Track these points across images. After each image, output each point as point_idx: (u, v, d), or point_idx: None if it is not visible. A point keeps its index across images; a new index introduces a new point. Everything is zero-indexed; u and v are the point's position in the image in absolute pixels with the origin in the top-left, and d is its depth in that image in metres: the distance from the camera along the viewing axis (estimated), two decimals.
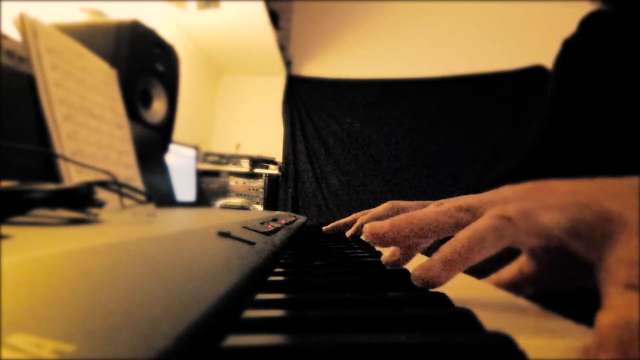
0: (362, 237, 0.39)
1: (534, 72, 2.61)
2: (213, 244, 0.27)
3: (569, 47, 0.60)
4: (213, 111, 3.18)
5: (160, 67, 1.03)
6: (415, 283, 0.24)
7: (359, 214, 0.62)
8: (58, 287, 0.12)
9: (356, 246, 0.58)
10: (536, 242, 0.23)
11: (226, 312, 0.17)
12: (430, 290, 0.25)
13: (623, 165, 0.45)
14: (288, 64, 3.06)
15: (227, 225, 0.36)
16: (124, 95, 0.76)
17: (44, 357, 0.08)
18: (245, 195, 2.56)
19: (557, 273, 0.27)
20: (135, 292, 0.14)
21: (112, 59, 0.82)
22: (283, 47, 2.95)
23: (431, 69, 2.86)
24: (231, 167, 2.63)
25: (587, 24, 0.59)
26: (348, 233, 0.59)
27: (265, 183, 2.60)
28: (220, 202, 0.96)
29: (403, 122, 2.84)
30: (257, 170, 2.63)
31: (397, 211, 0.46)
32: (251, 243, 0.31)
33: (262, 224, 0.48)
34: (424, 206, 0.34)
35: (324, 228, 0.68)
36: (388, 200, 0.51)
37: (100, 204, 0.37)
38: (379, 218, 0.45)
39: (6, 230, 0.20)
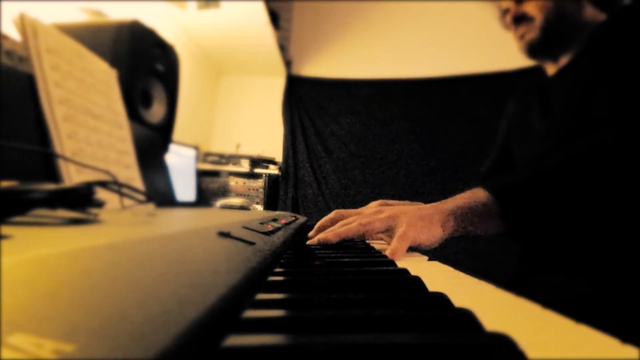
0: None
1: (534, 72, 2.61)
2: (213, 244, 0.27)
3: None
4: (213, 111, 3.18)
5: (160, 67, 1.03)
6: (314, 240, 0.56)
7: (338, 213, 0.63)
8: (58, 287, 0.12)
9: (360, 246, 0.58)
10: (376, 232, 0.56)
11: (226, 312, 0.16)
12: (431, 291, 0.25)
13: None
14: (288, 64, 3.06)
15: (227, 225, 0.36)
16: (124, 95, 0.76)
17: (44, 357, 0.08)
18: (245, 195, 2.56)
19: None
20: (135, 292, 0.14)
21: (112, 59, 0.82)
22: (283, 47, 2.95)
23: (431, 69, 2.86)
24: (231, 167, 2.63)
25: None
26: (316, 239, 0.55)
27: (265, 183, 2.60)
28: (220, 202, 0.96)
29: (403, 122, 2.84)
30: (257, 170, 2.63)
31: (341, 216, 0.62)
32: (251, 243, 0.31)
33: (262, 224, 0.48)
34: (360, 212, 0.61)
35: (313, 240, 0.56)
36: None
37: (100, 204, 0.37)
38: (325, 225, 0.61)
39: (6, 230, 0.20)
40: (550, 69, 0.81)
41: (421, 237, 0.53)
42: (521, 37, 0.79)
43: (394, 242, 0.51)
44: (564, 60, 0.77)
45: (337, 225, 0.57)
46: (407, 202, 0.64)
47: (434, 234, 0.54)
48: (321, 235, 0.54)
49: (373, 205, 0.63)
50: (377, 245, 0.63)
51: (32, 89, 0.53)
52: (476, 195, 0.58)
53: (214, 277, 0.19)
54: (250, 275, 0.22)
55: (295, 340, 0.16)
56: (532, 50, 0.78)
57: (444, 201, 0.58)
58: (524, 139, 0.82)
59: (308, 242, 0.55)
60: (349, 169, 2.84)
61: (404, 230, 0.52)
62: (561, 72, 0.77)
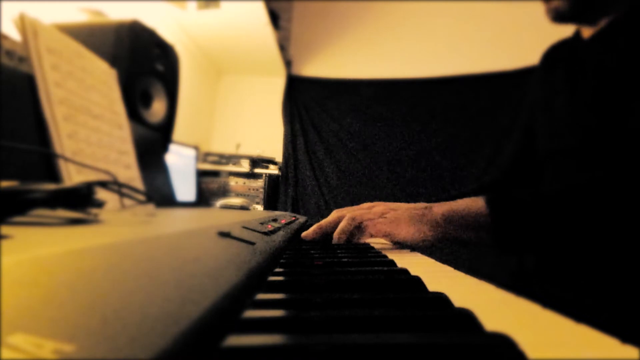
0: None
1: (534, 72, 2.60)
2: (213, 244, 0.27)
3: None
4: (213, 111, 3.18)
5: (160, 67, 1.03)
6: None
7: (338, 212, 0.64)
8: (58, 287, 0.12)
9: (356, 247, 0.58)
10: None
11: (226, 312, 0.16)
12: (431, 291, 0.25)
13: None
14: (288, 64, 3.06)
15: (227, 225, 0.36)
16: (124, 95, 0.76)
17: (44, 357, 0.08)
18: (245, 195, 2.56)
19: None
20: (135, 292, 0.14)
21: (112, 59, 0.82)
22: (283, 47, 2.95)
23: (431, 69, 2.86)
24: (231, 167, 2.63)
25: None
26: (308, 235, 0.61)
27: (265, 183, 2.60)
28: (220, 202, 0.96)
29: (403, 122, 2.84)
30: (257, 170, 2.63)
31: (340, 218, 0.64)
32: (251, 243, 0.31)
33: (262, 224, 0.48)
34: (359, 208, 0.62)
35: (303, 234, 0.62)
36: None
37: (100, 204, 0.37)
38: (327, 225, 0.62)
39: (6, 230, 0.20)
40: (586, 32, 0.72)
41: (401, 233, 0.56)
42: (546, 1, 0.70)
43: (343, 222, 0.57)
44: (603, 22, 0.68)
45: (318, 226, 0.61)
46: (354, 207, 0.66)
47: (414, 233, 0.56)
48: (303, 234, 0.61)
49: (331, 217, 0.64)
50: (377, 245, 0.63)
51: (32, 89, 0.53)
52: (475, 203, 0.58)
53: (214, 277, 0.19)
54: (250, 275, 0.22)
55: (295, 340, 0.16)
56: (558, 17, 0.69)
57: (439, 203, 0.59)
58: (547, 119, 0.75)
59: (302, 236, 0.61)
60: (349, 169, 2.84)
61: (356, 214, 0.58)
62: (597, 36, 0.68)
